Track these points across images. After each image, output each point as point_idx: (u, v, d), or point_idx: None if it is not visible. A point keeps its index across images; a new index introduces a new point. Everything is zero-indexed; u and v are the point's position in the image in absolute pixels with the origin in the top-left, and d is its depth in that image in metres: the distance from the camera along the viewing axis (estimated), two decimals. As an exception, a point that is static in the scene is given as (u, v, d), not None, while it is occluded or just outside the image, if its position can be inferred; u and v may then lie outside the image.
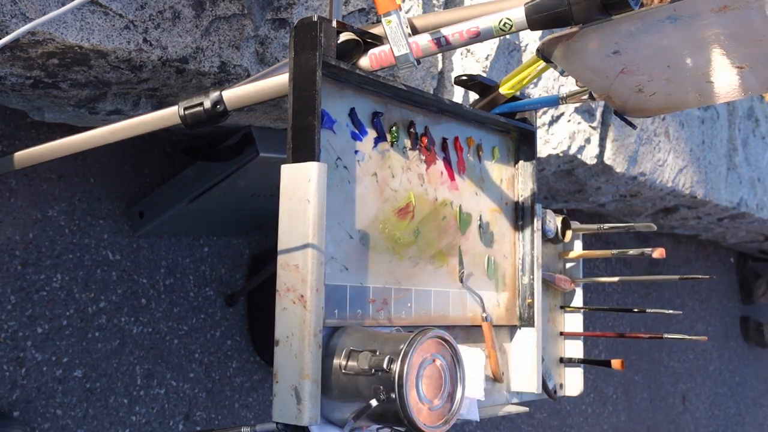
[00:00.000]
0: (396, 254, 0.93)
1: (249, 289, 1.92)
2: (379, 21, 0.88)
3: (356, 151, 0.90)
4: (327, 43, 0.82)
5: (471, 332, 1.03)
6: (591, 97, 1.05)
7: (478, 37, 0.90)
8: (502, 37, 1.57)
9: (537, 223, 1.14)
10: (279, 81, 0.94)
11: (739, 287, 4.52)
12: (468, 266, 1.05)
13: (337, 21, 0.85)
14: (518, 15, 0.88)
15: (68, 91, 1.22)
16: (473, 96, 1.17)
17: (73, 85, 1.20)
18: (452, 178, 1.03)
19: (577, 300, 1.24)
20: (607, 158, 2.16)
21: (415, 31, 0.97)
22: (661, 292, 3.75)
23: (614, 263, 3.31)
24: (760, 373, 4.66)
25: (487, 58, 1.67)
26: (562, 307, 1.23)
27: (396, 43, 0.87)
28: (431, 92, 1.55)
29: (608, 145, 2.16)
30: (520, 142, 1.17)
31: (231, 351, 1.93)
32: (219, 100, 0.96)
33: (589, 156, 2.09)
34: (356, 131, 0.90)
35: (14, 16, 0.98)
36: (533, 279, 1.12)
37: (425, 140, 0.99)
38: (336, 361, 0.79)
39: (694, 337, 1.11)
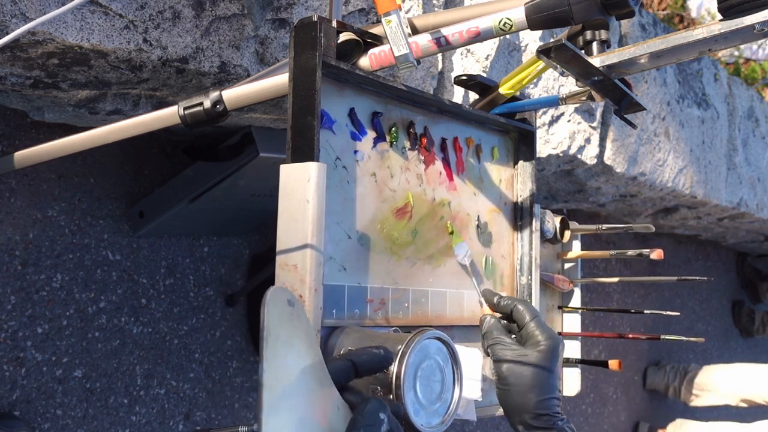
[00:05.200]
0: (394, 254, 0.93)
1: (249, 289, 1.92)
2: (379, 21, 0.89)
3: (355, 151, 0.90)
4: (327, 43, 0.82)
5: (468, 332, 1.04)
6: (591, 98, 1.05)
7: (478, 37, 0.90)
8: (502, 37, 1.57)
9: (536, 224, 1.14)
10: (279, 81, 0.94)
11: (744, 288, 4.52)
12: (466, 266, 1.05)
13: (337, 21, 0.85)
14: (518, 15, 0.88)
15: (68, 91, 1.23)
16: (473, 96, 1.17)
17: (73, 85, 1.20)
18: (451, 179, 1.03)
19: (575, 300, 1.24)
20: (607, 158, 2.16)
21: (415, 31, 0.97)
22: (661, 293, 3.75)
23: (614, 264, 3.31)
24: (761, 373, 4.66)
25: (487, 58, 1.67)
26: (560, 308, 1.23)
27: (396, 43, 0.87)
28: (431, 92, 1.55)
29: (608, 145, 2.16)
30: (520, 143, 1.17)
31: (231, 351, 1.93)
32: (219, 100, 0.96)
33: (589, 156, 2.09)
34: (356, 131, 0.90)
35: (14, 15, 0.98)
36: (531, 279, 1.12)
37: (424, 140, 0.99)
38: (335, 361, 0.79)
39: (691, 339, 1.11)
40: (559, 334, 1.22)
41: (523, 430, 0.89)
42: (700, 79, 2.70)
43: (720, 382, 3.38)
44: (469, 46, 1.58)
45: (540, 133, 1.91)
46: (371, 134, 0.92)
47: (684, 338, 1.11)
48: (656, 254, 1.12)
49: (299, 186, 0.78)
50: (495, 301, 0.99)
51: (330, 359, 0.63)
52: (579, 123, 2.03)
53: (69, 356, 1.61)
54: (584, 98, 1.06)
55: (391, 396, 0.75)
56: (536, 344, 0.92)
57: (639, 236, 3.47)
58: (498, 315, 1.00)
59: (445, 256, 1.01)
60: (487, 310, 1.01)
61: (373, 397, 0.60)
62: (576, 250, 1.25)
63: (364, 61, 0.93)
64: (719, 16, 0.80)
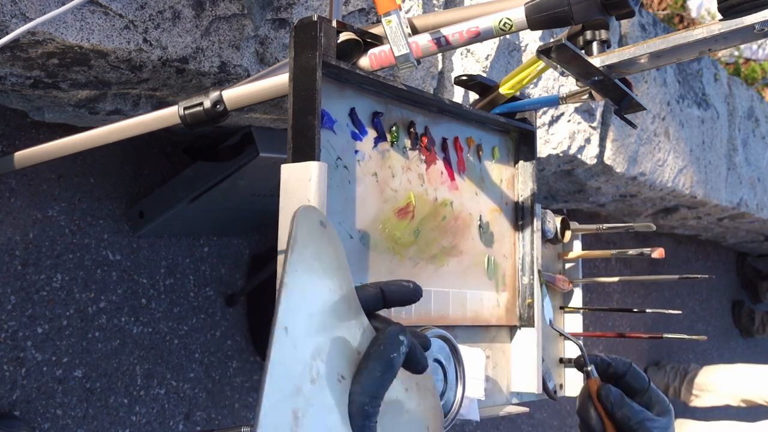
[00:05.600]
0: (396, 254, 0.93)
1: (249, 289, 1.92)
2: (379, 21, 0.88)
3: (356, 151, 0.90)
4: (327, 43, 0.82)
5: (471, 332, 1.03)
6: (591, 97, 1.05)
7: (478, 37, 0.90)
8: (502, 37, 1.57)
9: (537, 224, 1.14)
10: (279, 81, 0.94)
11: (744, 288, 4.53)
12: (468, 266, 1.05)
13: (337, 21, 0.85)
14: (518, 15, 0.88)
15: (68, 91, 1.22)
16: (473, 96, 1.17)
17: (73, 85, 1.20)
18: (452, 178, 1.03)
19: (577, 300, 1.24)
20: (607, 158, 2.16)
21: (415, 31, 0.97)
22: (661, 292, 3.75)
23: (614, 263, 3.31)
24: (760, 373, 4.66)
25: (487, 58, 1.67)
26: (561, 308, 1.23)
27: (396, 43, 0.87)
28: (431, 92, 1.55)
29: (608, 145, 2.16)
30: (520, 142, 1.16)
31: (231, 351, 1.93)
32: (219, 100, 0.96)
33: (589, 156, 2.09)
34: (356, 131, 0.90)
35: (14, 15, 0.98)
36: (533, 279, 1.12)
37: (425, 140, 0.99)
38: (336, 361, 0.79)
39: (694, 337, 1.11)
40: (561, 335, 1.22)
41: None
42: (700, 79, 2.70)
43: (720, 382, 3.38)
44: (469, 46, 1.58)
45: (540, 133, 1.91)
46: (372, 134, 0.92)
47: (686, 336, 1.11)
48: (657, 253, 1.12)
49: (300, 186, 0.78)
50: (605, 362, 0.84)
51: (359, 287, 0.65)
52: (579, 123, 2.03)
53: (69, 356, 1.61)
54: (584, 98, 1.06)
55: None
56: (665, 411, 0.81)
57: (639, 236, 3.47)
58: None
59: (447, 257, 1.01)
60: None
61: (398, 323, 0.62)
62: (577, 249, 1.25)
63: (364, 61, 0.93)
64: (719, 16, 0.80)
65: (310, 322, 0.57)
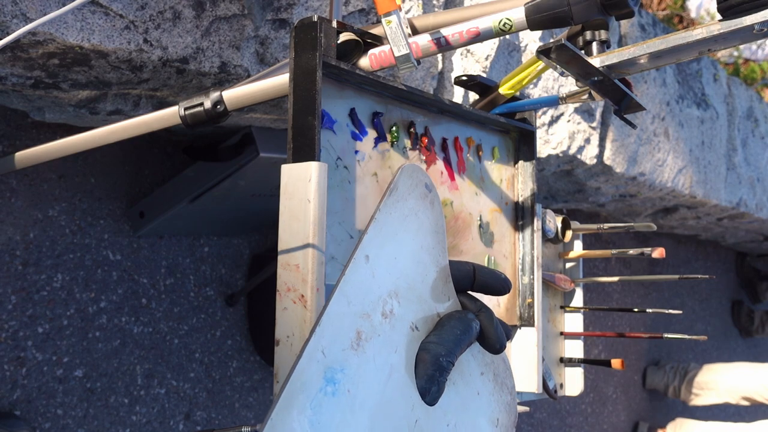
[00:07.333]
0: (396, 254, 0.93)
1: (249, 289, 1.92)
2: (379, 21, 0.89)
3: (356, 151, 0.90)
4: (327, 43, 0.82)
5: (471, 332, 1.04)
6: (591, 97, 1.05)
7: (478, 37, 0.90)
8: (502, 38, 1.57)
9: (537, 223, 1.14)
10: (279, 81, 0.94)
11: (743, 287, 4.53)
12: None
13: (337, 21, 0.85)
14: (518, 15, 0.88)
15: (69, 92, 1.23)
16: (473, 96, 1.17)
17: (73, 85, 1.20)
18: (452, 178, 1.03)
19: (577, 300, 1.24)
20: (607, 158, 2.16)
21: (415, 31, 0.97)
22: (661, 292, 3.76)
23: (614, 263, 3.31)
24: (760, 373, 4.66)
25: (487, 58, 1.68)
26: (562, 307, 1.23)
27: (396, 43, 0.88)
28: (431, 92, 1.55)
29: (608, 145, 2.16)
30: (520, 142, 1.17)
31: (231, 351, 1.93)
32: (219, 100, 0.96)
33: (588, 156, 2.09)
34: (356, 131, 0.90)
35: (15, 16, 0.98)
36: (533, 279, 1.12)
37: (425, 140, 0.99)
38: (336, 361, 0.79)
39: (694, 337, 1.11)
40: (562, 334, 1.22)
41: None
42: (699, 80, 2.70)
43: (720, 381, 3.39)
44: (469, 47, 1.59)
45: (540, 133, 1.91)
46: (372, 134, 0.92)
47: (687, 336, 1.12)
48: (658, 253, 1.12)
49: (300, 186, 0.78)
50: None
51: (454, 261, 0.64)
52: (579, 123, 2.03)
53: (69, 356, 1.61)
54: (584, 98, 1.06)
55: None
56: None
57: (639, 236, 3.48)
58: None
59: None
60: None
61: (488, 315, 0.62)
62: (578, 249, 1.25)
63: (364, 62, 0.93)
64: (719, 17, 0.80)
65: (395, 264, 0.56)
